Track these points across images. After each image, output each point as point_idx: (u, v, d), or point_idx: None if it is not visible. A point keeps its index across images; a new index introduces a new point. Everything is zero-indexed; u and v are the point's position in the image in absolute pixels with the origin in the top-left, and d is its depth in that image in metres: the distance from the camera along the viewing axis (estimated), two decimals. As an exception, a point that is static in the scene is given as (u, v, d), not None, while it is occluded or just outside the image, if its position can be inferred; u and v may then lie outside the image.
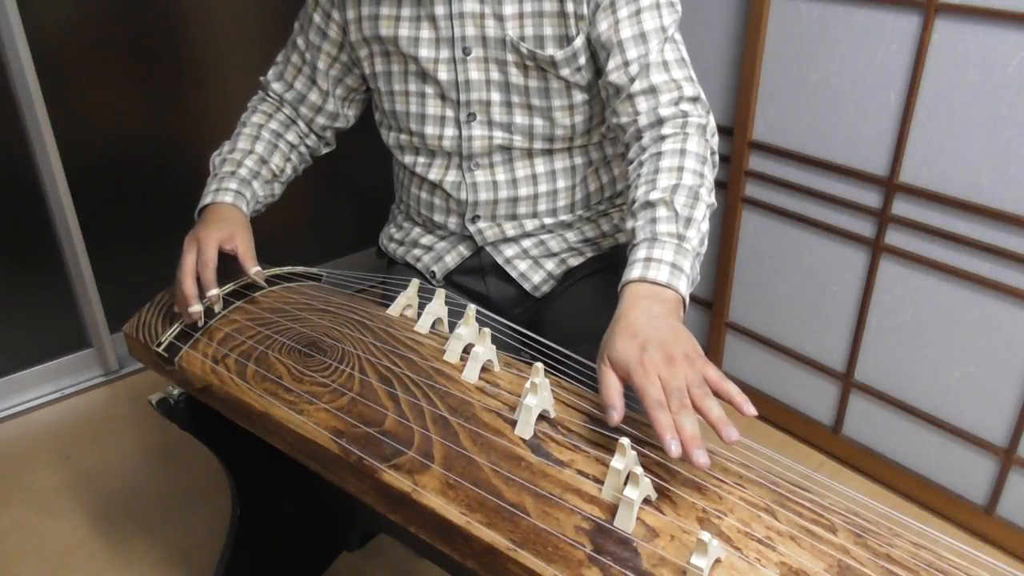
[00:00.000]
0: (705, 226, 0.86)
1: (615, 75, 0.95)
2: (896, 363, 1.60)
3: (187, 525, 1.53)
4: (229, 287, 1.01)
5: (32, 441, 1.76)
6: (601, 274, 1.12)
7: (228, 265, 0.99)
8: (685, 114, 0.92)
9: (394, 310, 0.99)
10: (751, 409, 0.71)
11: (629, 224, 0.88)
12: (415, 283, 0.99)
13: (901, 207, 1.50)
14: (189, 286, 0.95)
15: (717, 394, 0.71)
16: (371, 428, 0.77)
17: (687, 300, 0.81)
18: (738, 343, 1.88)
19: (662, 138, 0.92)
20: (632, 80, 0.94)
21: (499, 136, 1.06)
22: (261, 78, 1.19)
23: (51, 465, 1.69)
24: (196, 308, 0.95)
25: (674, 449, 0.67)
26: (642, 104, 0.94)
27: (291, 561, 1.36)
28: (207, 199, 1.06)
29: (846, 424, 1.72)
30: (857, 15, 1.46)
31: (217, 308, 0.98)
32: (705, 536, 0.59)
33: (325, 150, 1.23)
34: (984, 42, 1.31)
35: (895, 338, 1.58)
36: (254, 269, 1.01)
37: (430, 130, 1.07)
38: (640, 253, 0.83)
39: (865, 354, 1.65)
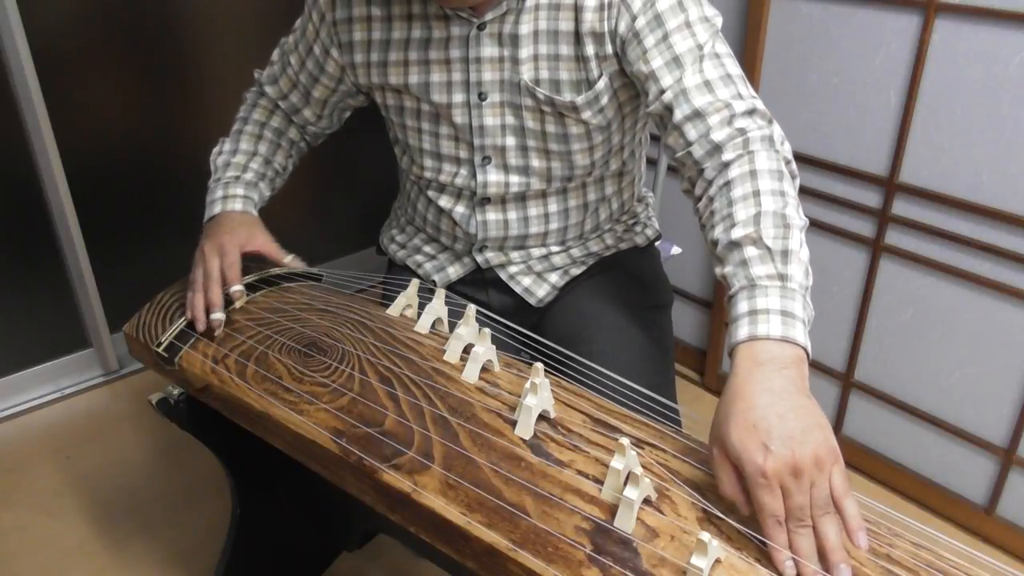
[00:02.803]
0: (805, 253, 0.76)
1: (654, 106, 0.88)
2: (896, 363, 1.60)
3: (187, 525, 1.53)
4: (249, 278, 1.03)
5: (32, 441, 1.76)
6: (601, 276, 1.12)
7: (251, 264, 1.02)
8: (743, 131, 0.82)
9: (394, 310, 0.99)
10: (863, 541, 0.63)
11: (718, 270, 0.79)
12: (415, 283, 0.99)
13: (901, 207, 1.50)
14: (216, 292, 0.95)
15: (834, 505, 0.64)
16: (371, 428, 0.77)
17: (809, 349, 0.70)
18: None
19: (725, 166, 0.82)
20: (671, 110, 0.86)
21: (515, 181, 1.02)
22: (256, 73, 1.17)
23: (51, 465, 1.69)
24: (220, 316, 0.95)
25: (789, 570, 0.62)
26: (691, 132, 0.85)
27: (291, 561, 1.36)
28: (216, 208, 1.04)
29: (846, 424, 1.72)
30: (857, 15, 1.46)
31: (240, 303, 0.99)
32: (705, 536, 0.59)
33: (319, 142, 1.22)
34: (984, 42, 1.31)
35: (895, 338, 1.58)
36: (288, 258, 1.04)
37: (445, 168, 1.05)
38: (742, 306, 0.72)
39: (865, 354, 1.65)
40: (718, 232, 0.79)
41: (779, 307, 0.71)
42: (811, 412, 0.65)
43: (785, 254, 0.74)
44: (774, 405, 0.65)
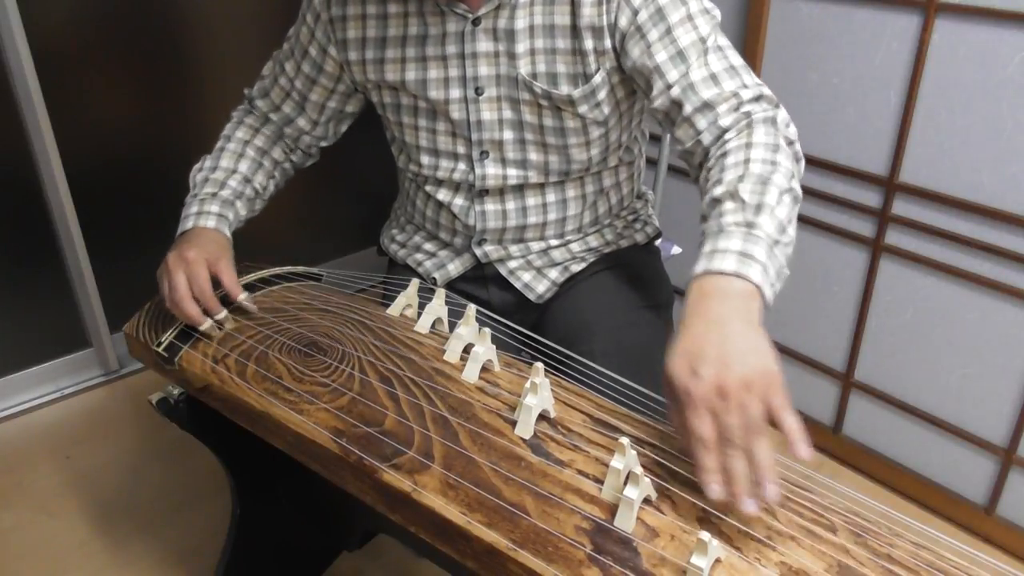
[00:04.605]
0: (782, 212, 0.76)
1: (659, 101, 0.90)
2: (896, 363, 1.60)
3: (187, 525, 1.53)
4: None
5: (32, 441, 1.76)
6: (602, 274, 1.12)
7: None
8: (748, 115, 0.86)
9: (394, 310, 0.99)
10: (805, 451, 0.62)
11: (701, 228, 0.81)
12: (415, 283, 0.99)
13: (901, 207, 1.50)
14: (192, 308, 0.93)
15: (774, 424, 0.63)
16: (371, 428, 0.77)
17: (765, 291, 0.70)
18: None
19: (725, 141, 0.85)
20: (679, 104, 0.88)
21: (513, 174, 1.03)
22: (245, 90, 1.16)
23: (51, 465, 1.69)
24: (208, 324, 0.94)
25: (714, 491, 0.63)
26: (701, 122, 0.87)
27: (291, 561, 1.36)
28: (188, 223, 1.02)
29: (846, 424, 1.72)
30: (857, 15, 1.46)
31: (229, 326, 0.96)
32: (705, 536, 0.59)
33: (309, 163, 1.20)
34: (984, 42, 1.31)
35: (895, 338, 1.58)
36: (242, 296, 0.98)
37: (443, 164, 1.06)
38: (706, 247, 0.75)
39: (865, 354, 1.65)
40: (707, 195, 0.81)
41: (739, 248, 0.72)
42: (747, 337, 0.66)
43: (758, 207, 0.75)
44: (709, 332, 0.66)
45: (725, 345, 0.65)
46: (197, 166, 1.10)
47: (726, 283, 0.70)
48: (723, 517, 0.66)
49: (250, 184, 1.09)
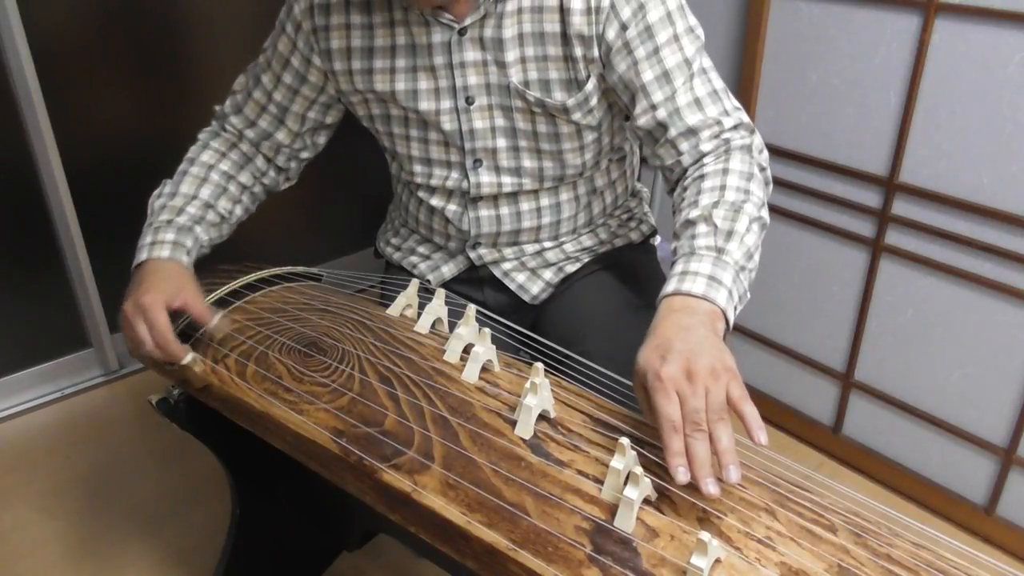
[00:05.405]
0: (751, 239, 0.82)
1: (643, 120, 0.92)
2: (896, 363, 1.60)
3: (187, 525, 1.53)
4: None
5: (32, 441, 1.76)
6: (598, 274, 1.12)
7: (177, 320, 0.92)
8: (727, 141, 0.90)
9: (394, 310, 0.99)
10: (762, 437, 0.67)
11: (673, 246, 0.86)
12: (415, 283, 0.99)
13: (901, 207, 1.50)
14: (159, 354, 0.89)
15: (734, 413, 0.68)
16: (371, 428, 0.77)
17: (729, 314, 0.77)
18: (738, 343, 1.88)
19: (703, 164, 0.90)
20: (664, 126, 0.91)
21: (508, 182, 1.03)
22: (216, 107, 1.12)
23: (51, 465, 1.69)
24: (189, 357, 0.90)
25: (681, 476, 0.65)
26: (683, 145, 0.91)
27: (291, 561, 1.36)
28: (142, 255, 0.97)
29: (846, 424, 1.72)
30: (857, 15, 1.46)
31: (198, 369, 0.91)
32: (705, 536, 0.59)
33: (285, 186, 1.15)
34: (984, 42, 1.31)
35: (895, 338, 1.58)
36: (213, 321, 0.94)
37: (436, 172, 1.05)
38: (677, 268, 0.80)
39: (865, 354, 1.65)
40: (682, 215, 0.86)
41: (708, 273, 0.78)
42: (712, 340, 0.71)
43: (729, 234, 0.81)
44: (679, 333, 0.72)
45: (691, 342, 0.70)
46: (156, 191, 1.04)
47: (695, 303, 0.76)
48: (723, 517, 0.66)
49: (212, 209, 1.04)
